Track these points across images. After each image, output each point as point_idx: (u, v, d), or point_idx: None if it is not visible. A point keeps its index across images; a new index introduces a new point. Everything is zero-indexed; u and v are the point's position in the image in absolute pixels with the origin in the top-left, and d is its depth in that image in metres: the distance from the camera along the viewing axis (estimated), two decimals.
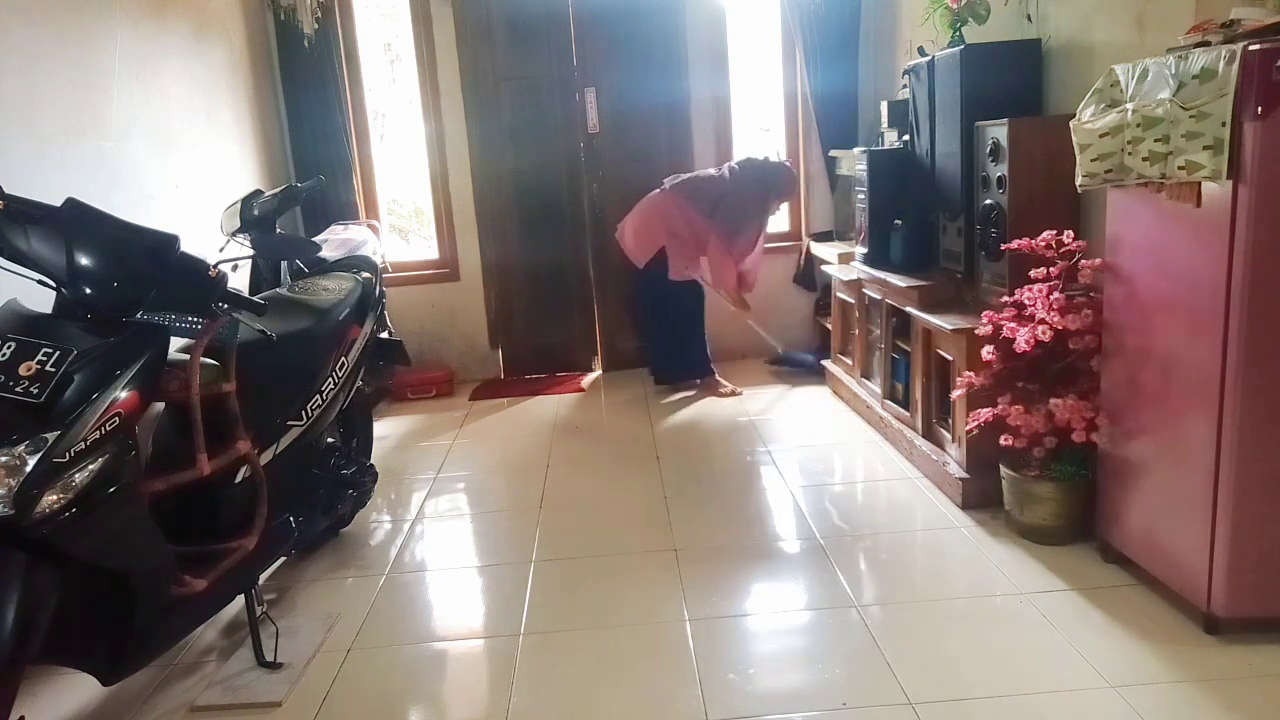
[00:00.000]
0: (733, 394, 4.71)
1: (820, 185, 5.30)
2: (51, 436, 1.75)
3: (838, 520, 3.16)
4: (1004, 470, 2.92)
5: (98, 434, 1.82)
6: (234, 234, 3.55)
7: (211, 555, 2.29)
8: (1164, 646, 2.26)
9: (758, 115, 5.60)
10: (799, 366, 5.08)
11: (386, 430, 4.54)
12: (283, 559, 2.98)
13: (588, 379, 5.29)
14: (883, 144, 4.32)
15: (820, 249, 4.99)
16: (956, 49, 3.34)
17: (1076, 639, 2.32)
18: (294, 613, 2.75)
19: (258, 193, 3.59)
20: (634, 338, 5.40)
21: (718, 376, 4.84)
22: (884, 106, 4.32)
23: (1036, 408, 2.75)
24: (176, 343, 2.16)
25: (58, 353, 1.81)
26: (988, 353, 2.86)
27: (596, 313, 5.38)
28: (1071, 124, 2.46)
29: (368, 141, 5.24)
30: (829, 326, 4.79)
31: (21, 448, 1.72)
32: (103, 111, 3.27)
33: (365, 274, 3.22)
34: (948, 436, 3.32)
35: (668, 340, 4.93)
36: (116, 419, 1.86)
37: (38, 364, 1.79)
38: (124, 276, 1.97)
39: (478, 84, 5.11)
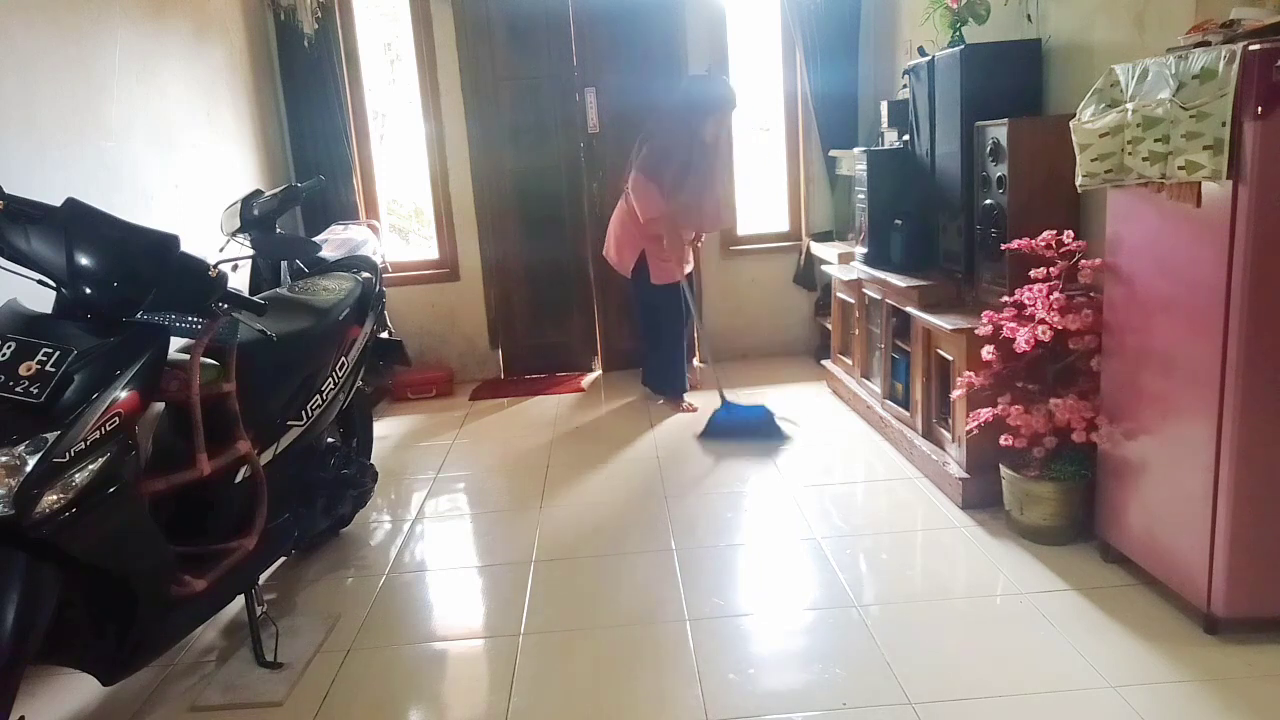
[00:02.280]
0: (689, 410, 4.51)
1: (820, 185, 5.30)
2: (51, 436, 1.75)
3: (838, 520, 3.16)
4: (1004, 470, 2.92)
5: (98, 434, 1.82)
6: (234, 234, 3.55)
7: (211, 555, 2.29)
8: (1164, 646, 2.26)
9: (758, 115, 5.60)
10: (734, 431, 4.08)
11: (386, 430, 4.54)
12: (283, 559, 2.98)
13: (588, 379, 5.29)
14: (883, 144, 4.32)
15: (820, 249, 4.99)
16: (956, 49, 3.34)
17: (1076, 639, 2.32)
18: (294, 613, 2.75)
19: (258, 193, 3.59)
20: (634, 338, 5.40)
21: (685, 397, 4.62)
22: (884, 106, 4.32)
23: (1036, 408, 2.76)
24: (176, 343, 2.16)
25: (58, 353, 1.82)
26: (988, 353, 2.86)
27: (596, 313, 5.38)
28: (1071, 124, 2.46)
29: (368, 141, 5.24)
30: (829, 326, 4.79)
31: (21, 448, 1.72)
32: (103, 111, 3.27)
33: (365, 274, 3.22)
34: (948, 436, 3.32)
35: (652, 351, 4.78)
36: (116, 419, 1.86)
37: (38, 364, 1.79)
38: (124, 276, 1.97)
39: (478, 84, 5.11)
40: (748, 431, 4.05)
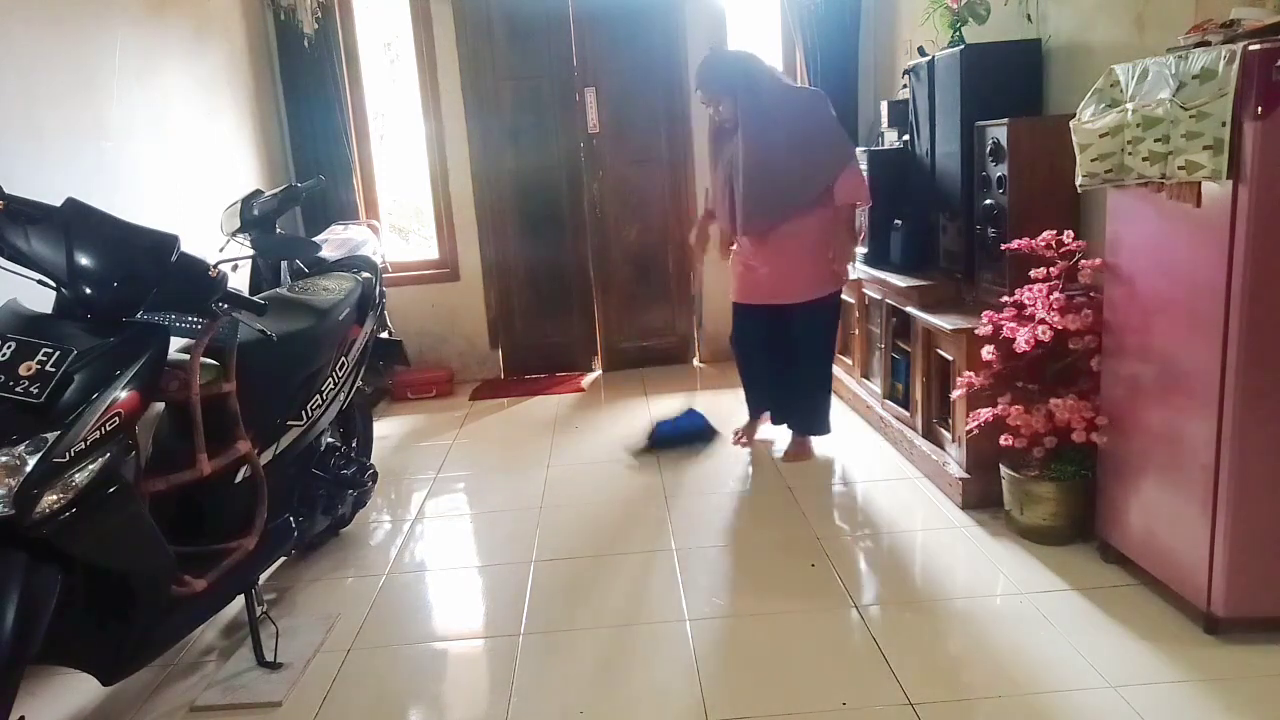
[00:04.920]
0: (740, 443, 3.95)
1: None
2: (51, 436, 1.75)
3: (838, 520, 3.15)
4: (1004, 470, 2.92)
5: (98, 434, 1.82)
6: (234, 234, 3.55)
7: (211, 555, 2.29)
8: (1164, 646, 2.26)
9: None
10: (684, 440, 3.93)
11: (386, 430, 4.54)
12: (283, 559, 2.98)
13: (588, 379, 5.29)
14: (883, 144, 4.32)
15: None
16: (956, 49, 3.34)
17: (1076, 639, 2.32)
18: (294, 613, 2.75)
19: (258, 193, 3.59)
20: (634, 338, 5.41)
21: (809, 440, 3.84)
22: (884, 106, 4.32)
23: (1036, 408, 2.75)
24: (176, 343, 2.16)
25: (58, 353, 1.82)
26: (988, 353, 2.86)
27: (596, 313, 5.39)
28: (1071, 124, 2.46)
29: (368, 141, 5.24)
30: None
31: (21, 448, 1.72)
32: (103, 111, 3.27)
33: (365, 274, 3.22)
34: (948, 436, 3.31)
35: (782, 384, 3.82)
36: (116, 419, 1.86)
37: (38, 364, 1.79)
38: (124, 276, 1.97)
39: (478, 84, 5.11)
40: (686, 439, 3.90)
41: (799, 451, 3.78)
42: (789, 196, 3.46)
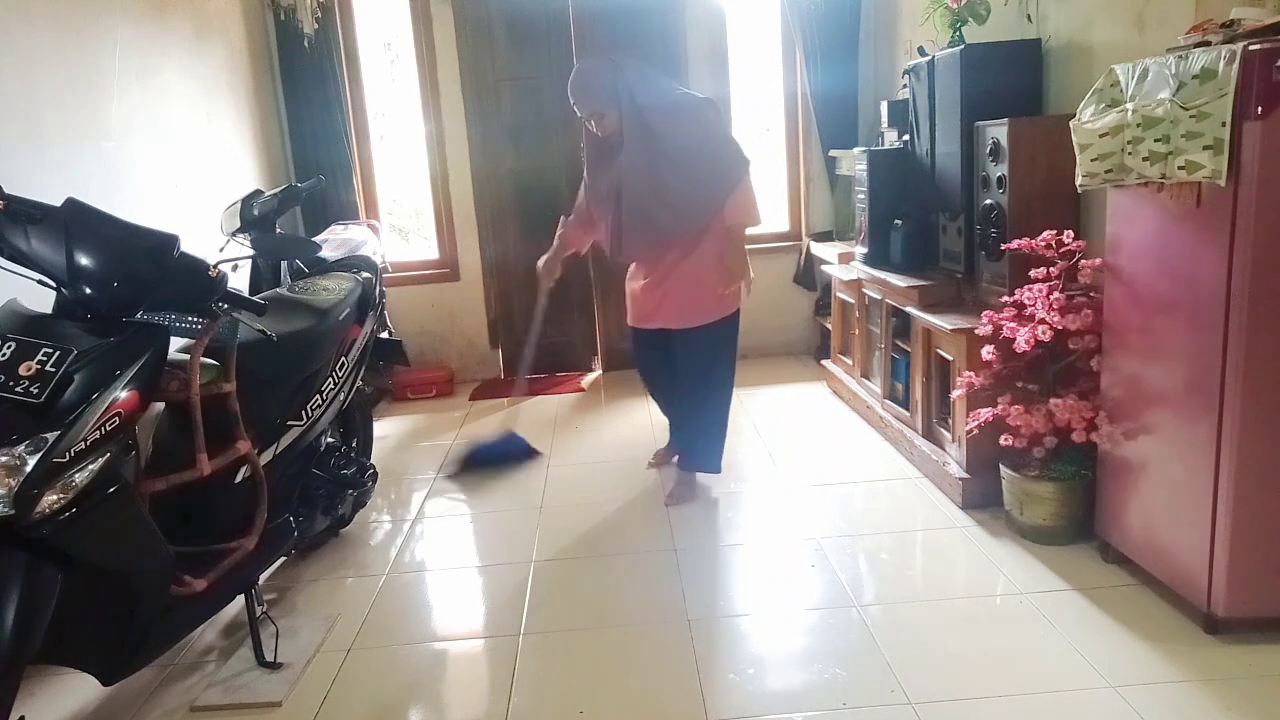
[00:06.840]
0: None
1: (820, 185, 5.31)
2: (51, 436, 1.75)
3: (838, 520, 3.15)
4: (1004, 470, 2.92)
5: (98, 434, 1.82)
6: (234, 234, 3.56)
7: (211, 555, 2.29)
8: (1164, 646, 2.26)
9: (758, 115, 5.61)
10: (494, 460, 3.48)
11: (386, 430, 4.54)
12: (283, 559, 2.98)
13: (588, 379, 5.29)
14: (883, 144, 4.32)
15: (820, 249, 4.99)
16: (956, 49, 3.34)
17: (1076, 639, 2.32)
18: (294, 613, 2.75)
19: (258, 193, 3.59)
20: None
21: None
22: (884, 106, 4.32)
23: (1036, 408, 2.76)
24: (176, 343, 2.16)
25: (58, 353, 1.82)
26: (988, 353, 2.86)
27: (596, 313, 5.38)
28: (1071, 124, 2.46)
29: (368, 141, 5.24)
30: (829, 326, 4.79)
31: (21, 448, 1.72)
32: (103, 111, 3.27)
33: (365, 274, 3.22)
34: (948, 436, 3.32)
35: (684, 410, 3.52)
36: (116, 419, 1.86)
37: (38, 364, 1.79)
38: (124, 276, 1.97)
39: (478, 84, 5.11)
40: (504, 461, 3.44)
41: (679, 492, 3.41)
42: (673, 225, 3.17)
